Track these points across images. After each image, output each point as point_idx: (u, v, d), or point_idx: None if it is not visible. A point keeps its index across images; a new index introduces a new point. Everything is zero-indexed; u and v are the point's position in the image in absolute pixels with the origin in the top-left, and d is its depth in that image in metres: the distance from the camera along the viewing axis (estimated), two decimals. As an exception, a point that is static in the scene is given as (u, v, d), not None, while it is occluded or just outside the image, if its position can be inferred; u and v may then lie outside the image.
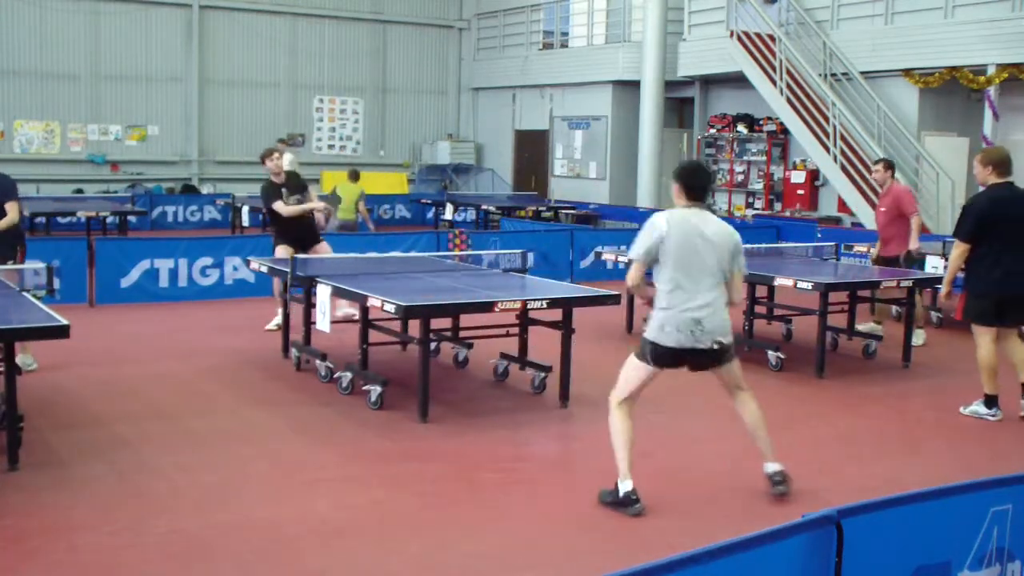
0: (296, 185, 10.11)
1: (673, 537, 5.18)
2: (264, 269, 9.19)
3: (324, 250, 10.08)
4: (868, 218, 15.95)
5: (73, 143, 22.30)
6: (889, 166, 10.59)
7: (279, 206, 9.85)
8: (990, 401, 7.56)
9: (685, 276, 5.40)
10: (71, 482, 5.71)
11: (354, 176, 16.24)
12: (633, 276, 5.57)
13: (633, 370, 5.64)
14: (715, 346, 5.47)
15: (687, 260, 5.39)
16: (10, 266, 7.68)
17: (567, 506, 5.64)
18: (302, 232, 10.04)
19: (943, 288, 7.80)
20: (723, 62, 18.80)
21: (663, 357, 5.49)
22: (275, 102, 24.34)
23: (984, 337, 7.50)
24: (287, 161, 18.38)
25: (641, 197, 19.99)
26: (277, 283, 9.98)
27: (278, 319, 9.95)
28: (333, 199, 15.13)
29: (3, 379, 5.90)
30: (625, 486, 5.47)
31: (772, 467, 5.78)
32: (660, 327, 5.44)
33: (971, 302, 7.53)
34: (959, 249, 7.48)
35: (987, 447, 7.07)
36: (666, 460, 6.54)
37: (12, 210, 7.80)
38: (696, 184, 5.53)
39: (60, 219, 16.03)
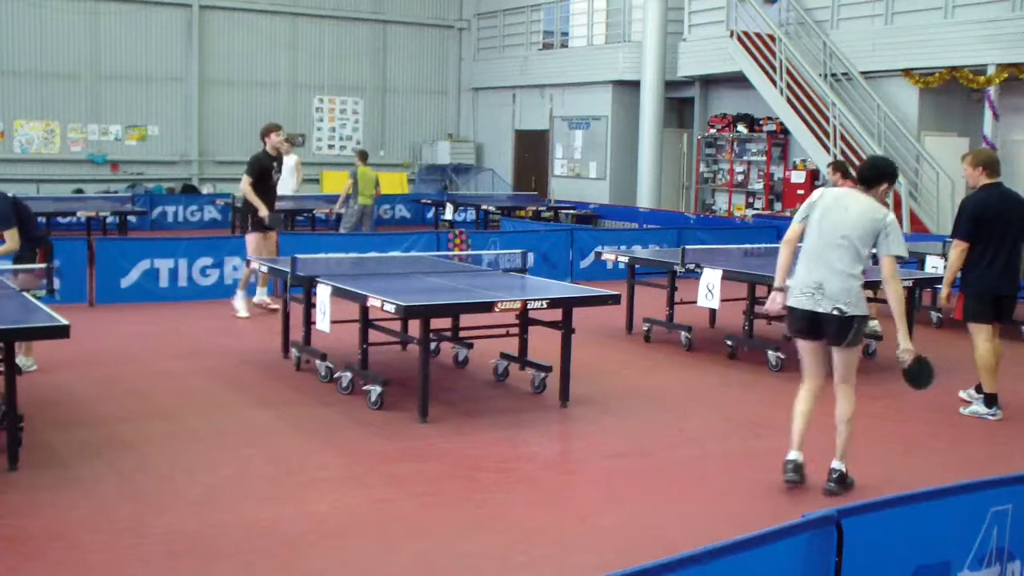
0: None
1: (673, 537, 5.18)
2: (264, 269, 9.19)
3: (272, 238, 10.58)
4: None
5: (73, 143, 22.30)
6: (839, 168, 10.61)
7: (245, 181, 10.26)
8: (990, 400, 7.61)
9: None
10: (71, 482, 5.71)
11: (365, 157, 16.54)
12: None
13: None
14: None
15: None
16: (25, 266, 7.60)
17: (567, 506, 5.64)
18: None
19: (943, 289, 7.83)
20: (723, 62, 18.80)
21: None
22: (275, 102, 24.33)
23: (981, 336, 7.57)
24: (288, 168, 18.35)
25: (641, 197, 19.99)
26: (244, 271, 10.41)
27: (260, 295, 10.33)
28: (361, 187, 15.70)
29: (3, 379, 5.90)
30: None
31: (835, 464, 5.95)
32: None
33: (969, 302, 7.61)
34: (958, 249, 7.56)
35: (987, 447, 7.07)
36: (665, 460, 6.54)
37: (11, 239, 7.59)
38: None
39: (60, 219, 16.03)
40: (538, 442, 6.92)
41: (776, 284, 6.06)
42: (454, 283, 8.42)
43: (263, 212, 10.26)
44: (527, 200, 21.25)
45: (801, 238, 5.95)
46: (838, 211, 5.80)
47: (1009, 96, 15.46)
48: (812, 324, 5.82)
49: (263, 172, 10.26)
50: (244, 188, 10.38)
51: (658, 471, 6.31)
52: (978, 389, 7.76)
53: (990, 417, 7.59)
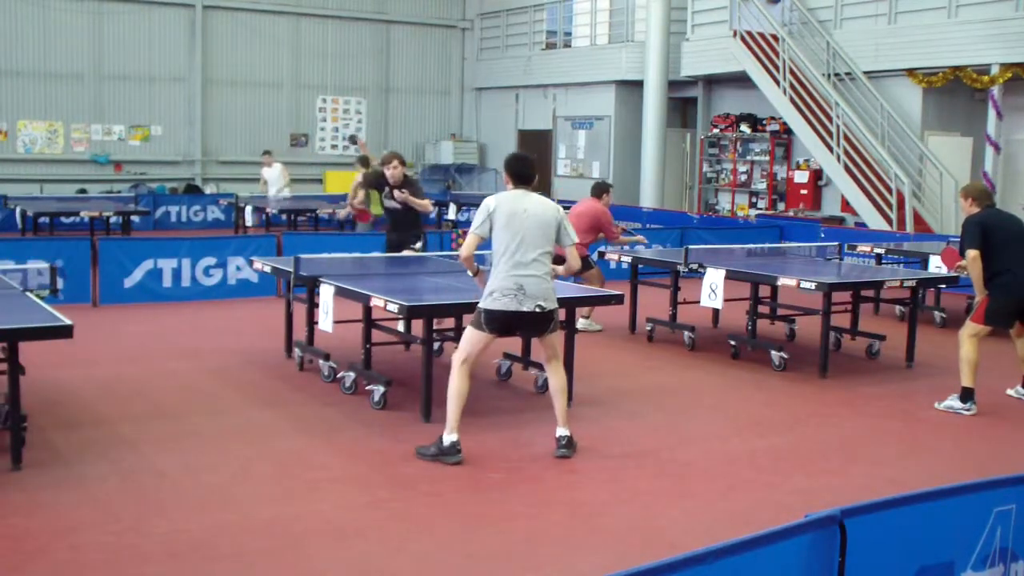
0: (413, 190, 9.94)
1: (676, 537, 5.18)
2: (267, 269, 9.20)
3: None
4: (871, 218, 15.96)
5: (76, 143, 22.32)
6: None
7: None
8: (966, 395, 7.80)
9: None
10: (74, 481, 5.72)
11: (367, 163, 15.96)
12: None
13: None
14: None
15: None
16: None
17: (570, 506, 5.63)
18: (399, 228, 9.90)
19: (978, 295, 7.99)
20: (726, 62, 18.79)
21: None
22: (278, 102, 24.34)
23: (975, 337, 7.83)
24: (273, 176, 18.35)
25: (644, 197, 19.98)
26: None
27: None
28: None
29: (7, 379, 5.91)
30: (451, 437, 6.16)
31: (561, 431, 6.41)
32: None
33: (992, 306, 7.84)
34: (973, 255, 7.78)
35: (990, 447, 7.07)
36: (667, 460, 6.54)
37: None
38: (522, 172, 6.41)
39: (63, 219, 16.04)
40: (541, 442, 6.90)
41: None
42: (457, 283, 8.42)
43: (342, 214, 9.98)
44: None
45: None
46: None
47: (1013, 96, 15.45)
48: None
49: (378, 188, 9.97)
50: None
51: (661, 471, 6.30)
52: (962, 397, 7.86)
53: (965, 412, 7.77)
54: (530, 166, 6.53)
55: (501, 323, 6.23)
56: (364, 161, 15.97)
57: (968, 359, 7.80)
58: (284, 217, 17.94)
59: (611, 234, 10.71)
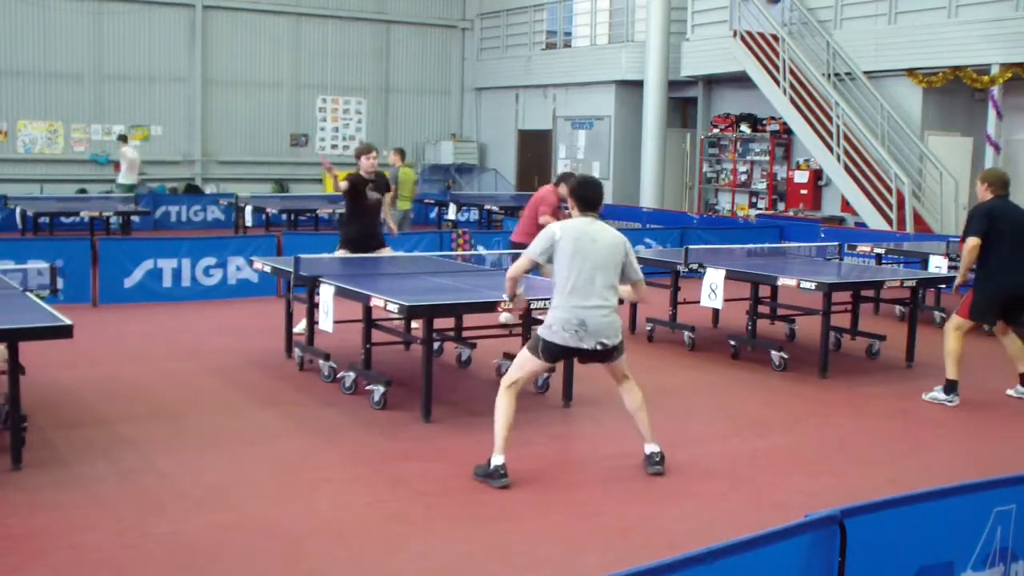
0: (385, 184, 10.12)
1: (676, 537, 5.18)
2: (267, 269, 9.20)
3: (386, 253, 10.04)
4: (871, 218, 15.96)
5: (76, 143, 22.32)
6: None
7: (342, 184, 9.80)
8: (950, 387, 8.00)
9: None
10: (74, 482, 5.71)
11: (404, 155, 15.70)
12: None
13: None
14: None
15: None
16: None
17: (569, 505, 5.63)
18: (366, 233, 9.86)
19: (959, 278, 8.15)
20: (726, 62, 18.79)
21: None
22: (278, 102, 24.35)
23: (959, 331, 7.99)
24: (127, 158, 18.36)
25: (644, 197, 19.98)
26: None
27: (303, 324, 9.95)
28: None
29: (7, 379, 5.91)
30: (497, 460, 5.87)
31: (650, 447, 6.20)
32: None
33: (979, 299, 7.92)
34: (972, 243, 7.83)
35: (990, 447, 7.06)
36: (668, 460, 6.53)
37: None
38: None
39: (63, 219, 16.05)
40: (541, 442, 6.91)
41: None
42: (457, 283, 8.42)
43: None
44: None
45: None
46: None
47: (1013, 95, 15.45)
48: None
49: (358, 189, 9.78)
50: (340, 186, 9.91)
51: (661, 471, 6.30)
52: (946, 389, 8.03)
53: (948, 403, 7.96)
54: (598, 191, 6.13)
55: (558, 355, 6.05)
56: (402, 153, 15.57)
57: (952, 352, 7.94)
58: (285, 217, 17.94)
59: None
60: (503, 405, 5.96)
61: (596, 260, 5.87)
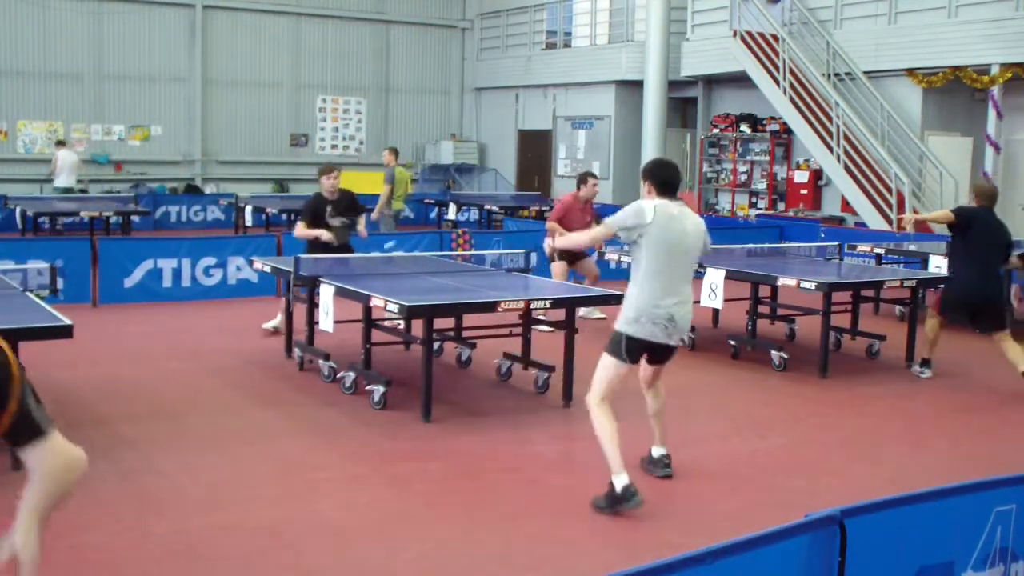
0: (347, 205, 9.76)
1: (675, 537, 5.17)
2: (267, 269, 9.20)
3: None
4: (871, 218, 15.95)
5: (76, 143, 22.31)
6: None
7: (298, 228, 9.65)
8: (924, 363, 8.89)
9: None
10: (74, 482, 5.71)
11: (398, 155, 15.65)
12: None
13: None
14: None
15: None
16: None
17: (569, 505, 5.63)
18: (327, 251, 9.57)
19: (912, 221, 9.29)
20: (726, 62, 18.79)
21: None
22: (278, 102, 24.35)
23: (934, 319, 8.77)
24: (65, 161, 18.47)
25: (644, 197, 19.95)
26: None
27: (276, 321, 9.91)
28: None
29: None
30: (621, 480, 5.37)
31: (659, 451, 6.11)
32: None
33: (945, 297, 8.69)
34: (945, 213, 8.75)
35: (990, 447, 7.06)
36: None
37: None
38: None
39: (63, 219, 16.04)
40: (541, 442, 6.91)
41: None
42: (457, 283, 8.42)
43: (324, 236, 9.48)
44: (530, 200, 21.22)
45: None
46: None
47: (1013, 95, 15.45)
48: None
49: (314, 213, 9.62)
50: (297, 235, 9.75)
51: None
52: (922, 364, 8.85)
53: (920, 375, 8.83)
54: (676, 173, 5.73)
55: (641, 352, 5.58)
56: (396, 153, 15.52)
57: (930, 335, 8.81)
58: (285, 217, 17.93)
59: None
60: (603, 423, 5.46)
61: (685, 249, 5.51)
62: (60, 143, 19.46)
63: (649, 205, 5.46)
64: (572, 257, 10.78)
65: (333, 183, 9.68)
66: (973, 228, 8.38)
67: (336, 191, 9.71)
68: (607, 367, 5.57)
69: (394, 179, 14.93)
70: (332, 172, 9.72)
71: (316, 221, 9.58)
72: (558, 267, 10.70)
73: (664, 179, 5.59)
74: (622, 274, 11.88)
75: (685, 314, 5.55)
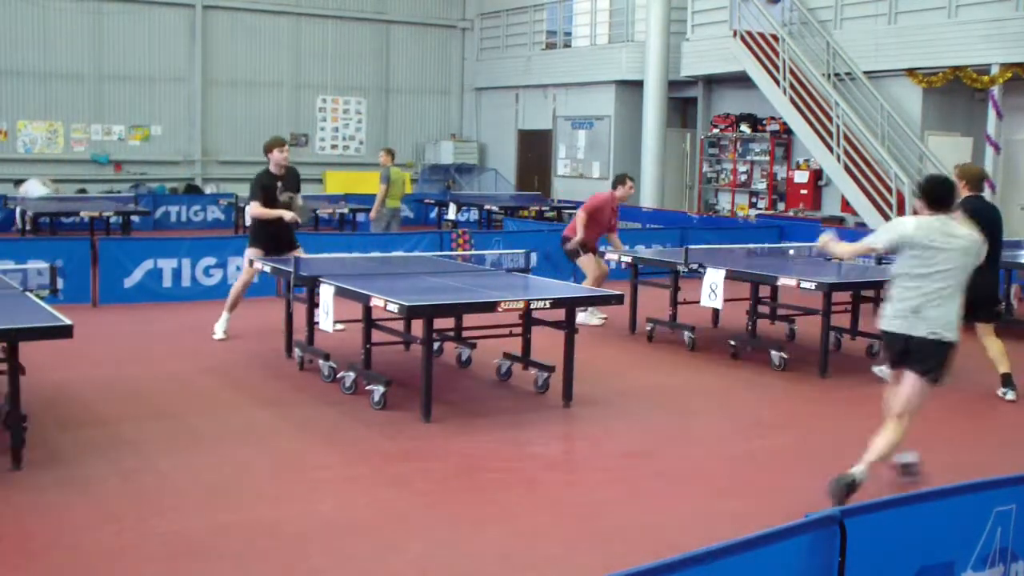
0: (294, 182, 9.70)
1: (676, 537, 5.18)
2: (267, 269, 9.19)
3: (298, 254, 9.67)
4: (871, 218, 15.95)
5: (76, 143, 22.32)
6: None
7: (254, 207, 9.50)
8: (1007, 381, 8.30)
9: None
10: (74, 482, 5.71)
11: (394, 156, 15.70)
12: None
13: None
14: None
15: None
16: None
17: (570, 505, 5.63)
18: (278, 232, 9.57)
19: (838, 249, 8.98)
20: (726, 62, 18.79)
21: None
22: (278, 102, 24.35)
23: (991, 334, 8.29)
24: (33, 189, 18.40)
25: (644, 197, 19.97)
26: (238, 284, 9.91)
27: (223, 324, 9.86)
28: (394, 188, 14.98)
29: (7, 379, 5.91)
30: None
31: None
32: None
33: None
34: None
35: (990, 447, 7.06)
36: (667, 460, 6.54)
37: None
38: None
39: (64, 219, 16.04)
40: (541, 442, 6.91)
41: None
42: (457, 283, 8.42)
43: (288, 216, 9.47)
44: (530, 200, 21.24)
45: None
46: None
47: (1013, 96, 15.45)
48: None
49: (264, 192, 9.49)
50: (254, 214, 9.58)
51: (661, 471, 6.30)
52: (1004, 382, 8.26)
53: (1005, 396, 8.28)
54: (951, 190, 5.88)
55: (894, 350, 5.76)
56: (392, 154, 15.66)
57: (994, 350, 8.28)
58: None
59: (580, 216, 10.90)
60: (892, 437, 5.75)
61: (950, 262, 5.62)
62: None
63: (911, 222, 5.70)
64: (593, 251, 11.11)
65: (286, 156, 9.54)
66: (971, 215, 8.03)
67: (284, 167, 9.56)
68: (916, 391, 5.73)
69: (389, 179, 14.99)
70: (283, 145, 9.55)
71: (268, 199, 9.45)
72: (588, 259, 10.97)
73: (938, 196, 5.78)
74: (623, 275, 11.91)
75: (935, 309, 5.66)
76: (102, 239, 12.36)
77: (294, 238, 9.81)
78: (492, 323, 8.35)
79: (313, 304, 8.34)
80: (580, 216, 10.88)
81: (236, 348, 9.45)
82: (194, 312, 11.34)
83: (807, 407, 7.94)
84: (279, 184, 9.55)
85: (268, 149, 9.57)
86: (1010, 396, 8.16)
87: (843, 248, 6.20)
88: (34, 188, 18.85)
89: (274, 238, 9.53)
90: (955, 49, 15.54)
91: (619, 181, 11.12)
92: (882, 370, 8.43)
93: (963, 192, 8.23)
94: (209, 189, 23.12)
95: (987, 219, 8.06)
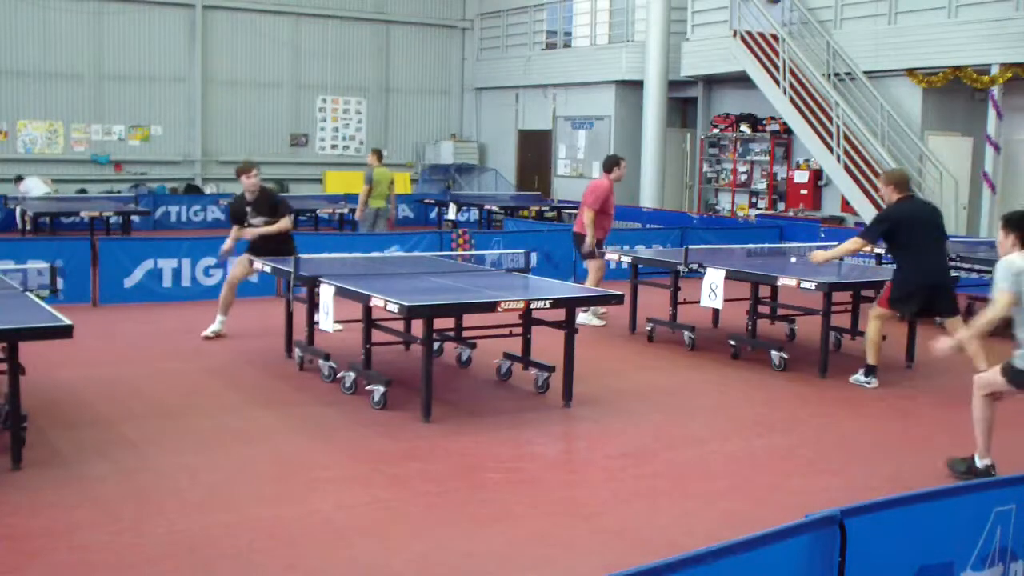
0: (265, 206, 9.68)
1: (676, 537, 5.18)
2: (267, 269, 9.19)
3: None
4: (872, 218, 15.94)
5: (76, 143, 22.32)
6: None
7: (232, 231, 9.75)
8: (870, 371, 8.53)
9: None
10: (74, 481, 5.72)
11: (381, 156, 16.01)
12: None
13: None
14: None
15: None
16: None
17: (570, 505, 5.63)
18: (278, 248, 9.56)
19: (824, 258, 8.93)
20: (726, 62, 18.79)
21: None
22: (278, 102, 24.35)
23: (879, 319, 8.47)
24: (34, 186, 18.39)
25: (644, 197, 19.98)
26: (230, 278, 9.93)
27: (216, 325, 9.86)
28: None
29: (7, 379, 5.91)
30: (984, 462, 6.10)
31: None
32: None
33: (895, 293, 8.41)
34: (857, 244, 8.57)
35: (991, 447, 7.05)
36: (667, 460, 6.54)
37: None
38: None
39: (64, 219, 16.05)
40: (541, 442, 6.91)
41: None
42: (457, 283, 8.42)
43: (248, 233, 9.67)
44: (530, 200, 21.25)
45: None
46: None
47: (1013, 96, 15.44)
48: None
49: (240, 216, 9.70)
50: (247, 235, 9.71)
51: (661, 471, 6.30)
52: (866, 372, 8.56)
53: (867, 385, 8.47)
54: None
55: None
56: (379, 154, 15.94)
57: (871, 339, 8.48)
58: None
59: (587, 205, 10.84)
60: (978, 410, 6.19)
61: None
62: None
63: (1020, 259, 5.85)
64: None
65: (252, 182, 9.57)
66: (902, 227, 8.25)
67: (256, 190, 9.64)
68: (994, 379, 6.18)
69: (372, 179, 15.30)
70: (251, 171, 9.57)
71: (239, 223, 9.69)
72: (598, 263, 10.95)
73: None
74: (623, 274, 11.91)
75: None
76: (102, 239, 12.36)
77: (294, 249, 9.75)
78: (492, 323, 8.35)
79: (313, 304, 8.34)
80: (588, 216, 10.76)
81: (236, 348, 9.45)
82: (194, 312, 11.33)
83: (807, 407, 7.94)
84: (248, 209, 9.68)
85: (237, 175, 9.71)
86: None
87: (990, 313, 6.07)
88: (35, 186, 18.81)
89: (274, 253, 9.47)
90: (955, 49, 15.54)
91: (613, 163, 11.01)
92: (858, 379, 8.46)
93: (892, 197, 8.39)
94: (209, 189, 23.12)
95: (924, 221, 8.35)
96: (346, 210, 17.70)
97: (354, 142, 25.42)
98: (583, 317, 10.75)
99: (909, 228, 8.27)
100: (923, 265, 8.32)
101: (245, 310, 11.43)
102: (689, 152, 21.44)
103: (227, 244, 9.94)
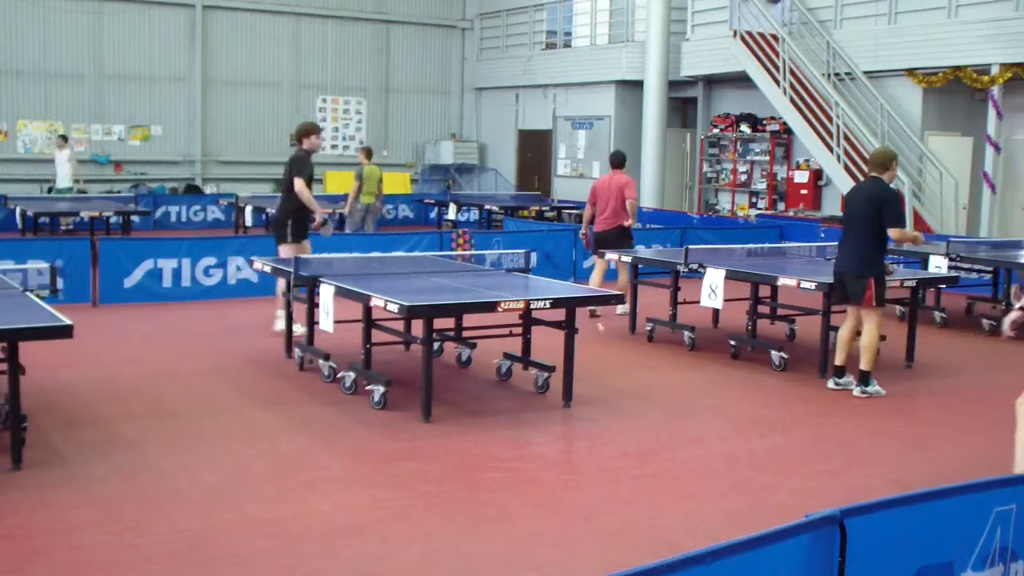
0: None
1: (676, 537, 5.18)
2: (268, 269, 9.20)
3: (306, 249, 10.01)
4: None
5: (76, 143, 22.30)
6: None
7: (300, 184, 9.70)
8: (865, 378, 8.14)
9: None
10: (74, 482, 5.71)
11: (370, 154, 16.46)
12: None
13: None
14: None
15: None
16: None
17: (570, 506, 5.63)
18: (305, 224, 9.85)
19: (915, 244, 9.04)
20: (726, 62, 18.80)
21: None
22: (278, 102, 24.35)
23: (878, 319, 8.09)
24: (65, 159, 18.56)
25: (644, 197, 19.95)
26: (281, 282, 9.93)
27: (280, 322, 9.90)
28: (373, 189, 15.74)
29: (7, 379, 5.91)
30: None
31: None
32: None
33: (880, 289, 8.04)
34: (910, 233, 8.33)
35: (990, 447, 7.06)
36: (667, 460, 6.54)
37: None
38: None
39: (64, 219, 16.03)
40: (541, 442, 6.91)
41: None
42: (457, 283, 8.42)
43: (319, 214, 9.91)
44: (530, 200, 21.25)
45: None
46: None
47: (1013, 95, 15.45)
48: None
49: (307, 173, 9.79)
50: (301, 190, 9.71)
51: (661, 471, 6.30)
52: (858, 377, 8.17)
53: (863, 394, 8.11)
54: None
55: None
56: (368, 153, 16.34)
57: (874, 345, 8.08)
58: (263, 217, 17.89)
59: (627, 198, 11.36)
60: None
61: None
62: (63, 138, 19.48)
63: None
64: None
65: (315, 145, 9.98)
66: (848, 205, 8.22)
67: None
68: None
69: (362, 176, 15.77)
70: (320, 131, 9.95)
71: (310, 183, 9.77)
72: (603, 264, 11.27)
73: None
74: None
75: None
76: (102, 239, 12.36)
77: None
78: (492, 323, 8.35)
79: (313, 304, 8.34)
80: (633, 204, 11.44)
81: (236, 348, 9.45)
82: (194, 312, 11.35)
83: (807, 407, 7.94)
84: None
85: (307, 134, 9.90)
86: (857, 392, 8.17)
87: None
88: (64, 168, 18.83)
89: (305, 229, 9.71)
90: (955, 49, 15.55)
91: (624, 160, 11.93)
92: (837, 382, 8.35)
93: (884, 176, 8.16)
94: (209, 189, 23.12)
95: (851, 197, 8.29)
96: (346, 210, 17.67)
97: (354, 142, 25.41)
98: (620, 309, 11.00)
99: (848, 202, 8.34)
100: (843, 249, 8.25)
101: (245, 310, 11.44)
102: (689, 152, 21.44)
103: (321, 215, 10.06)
